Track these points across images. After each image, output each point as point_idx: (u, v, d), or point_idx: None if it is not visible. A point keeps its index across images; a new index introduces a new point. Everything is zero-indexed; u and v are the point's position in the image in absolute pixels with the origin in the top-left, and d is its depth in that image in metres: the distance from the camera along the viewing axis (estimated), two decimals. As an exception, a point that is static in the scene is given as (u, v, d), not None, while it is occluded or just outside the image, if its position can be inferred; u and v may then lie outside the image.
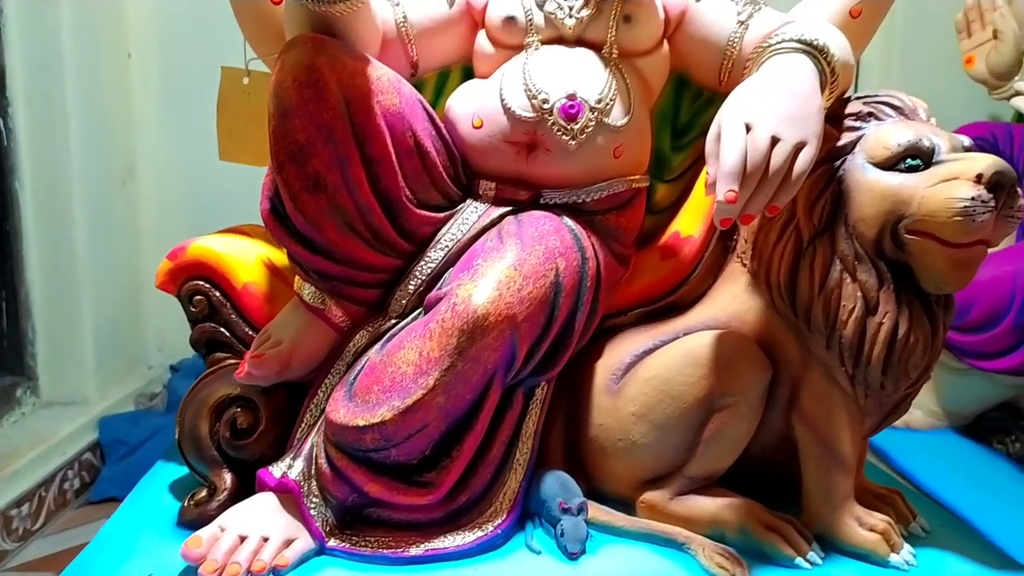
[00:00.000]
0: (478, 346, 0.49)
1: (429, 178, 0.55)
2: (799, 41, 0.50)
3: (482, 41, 0.59)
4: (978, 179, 0.46)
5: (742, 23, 0.57)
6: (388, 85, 0.52)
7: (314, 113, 0.49)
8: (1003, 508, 1.05)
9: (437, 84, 0.63)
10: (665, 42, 0.59)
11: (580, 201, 0.57)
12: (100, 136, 1.37)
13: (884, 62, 1.49)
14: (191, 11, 1.38)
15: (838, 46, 0.52)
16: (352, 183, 0.51)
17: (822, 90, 0.50)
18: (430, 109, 0.56)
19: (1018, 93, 1.00)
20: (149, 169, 1.48)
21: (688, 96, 0.64)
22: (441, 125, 0.57)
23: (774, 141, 0.46)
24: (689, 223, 0.61)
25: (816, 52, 0.50)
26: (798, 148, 0.47)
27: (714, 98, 0.62)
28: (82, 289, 1.33)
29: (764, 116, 0.46)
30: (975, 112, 1.39)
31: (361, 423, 0.49)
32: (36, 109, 1.27)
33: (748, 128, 0.46)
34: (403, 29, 0.58)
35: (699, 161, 0.65)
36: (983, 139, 1.33)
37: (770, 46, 0.52)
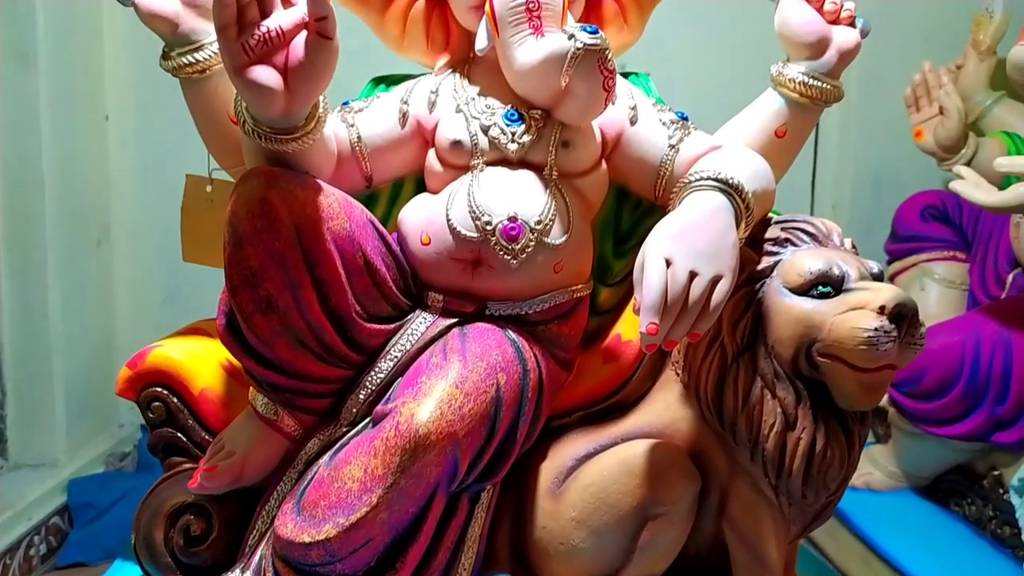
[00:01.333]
0: (420, 463, 0.51)
1: (379, 293, 0.58)
2: (716, 179, 0.54)
3: (432, 160, 0.63)
4: (881, 310, 0.50)
5: (672, 147, 0.62)
6: (339, 210, 0.55)
7: (266, 241, 0.52)
8: (957, 573, 1.08)
9: (391, 195, 0.67)
10: (603, 161, 0.63)
11: (523, 313, 0.60)
12: (76, 198, 1.39)
13: (842, 130, 1.55)
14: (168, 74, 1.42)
15: (754, 180, 0.56)
16: (303, 304, 0.54)
17: (737, 225, 0.54)
18: (380, 228, 0.60)
19: (958, 176, 1.05)
20: (124, 230, 1.50)
21: (628, 205, 0.68)
22: (392, 241, 0.60)
23: (692, 276, 0.50)
24: (630, 327, 0.65)
25: (731, 190, 0.54)
26: (714, 282, 0.51)
27: (653, 207, 0.66)
28: (54, 350, 1.34)
29: (682, 252, 0.50)
30: (930, 178, 1.46)
31: (307, 539, 0.51)
32: (12, 171, 1.30)
33: (668, 263, 0.50)
34: (357, 148, 0.62)
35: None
36: (934, 207, 1.40)
37: (689, 183, 0.56)
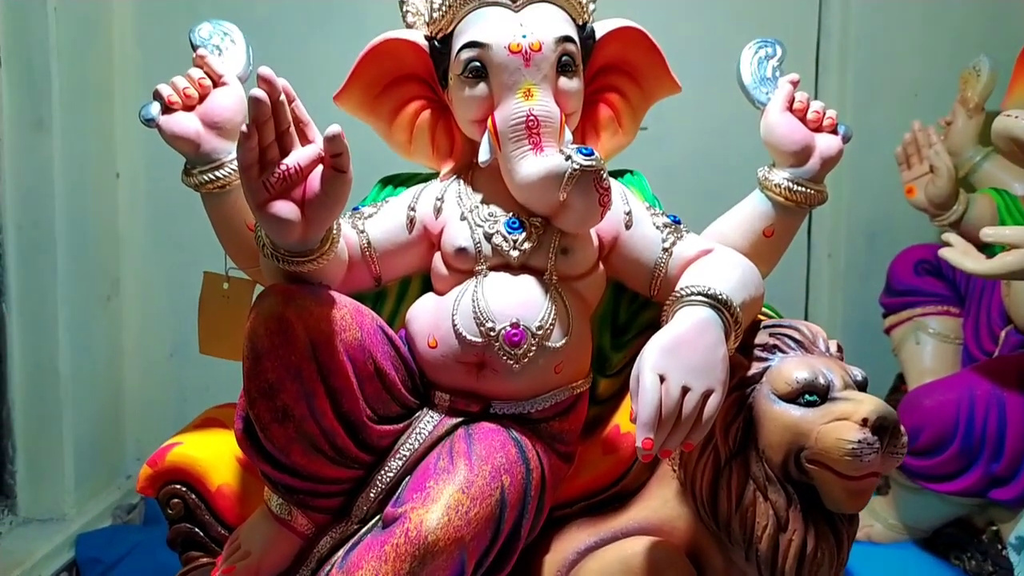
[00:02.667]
0: (429, 568, 0.54)
1: (389, 395, 0.61)
2: (705, 295, 0.57)
3: (438, 263, 0.66)
4: (864, 423, 0.53)
5: (666, 250, 0.65)
6: (351, 321, 0.58)
7: (283, 356, 0.55)
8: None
9: (399, 292, 0.70)
10: (600, 263, 0.66)
11: (526, 412, 0.63)
12: (87, 256, 1.42)
13: (835, 182, 1.58)
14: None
15: (742, 291, 0.59)
16: (318, 412, 0.57)
17: (727, 337, 0.57)
18: (389, 332, 0.63)
19: (947, 243, 1.08)
20: (133, 284, 1.52)
21: (626, 299, 0.71)
22: (400, 344, 0.63)
23: (685, 391, 0.53)
24: (628, 419, 0.67)
25: (720, 306, 0.57)
26: (706, 396, 0.53)
27: (649, 301, 0.69)
28: (64, 406, 1.36)
29: (675, 368, 0.53)
30: (923, 229, 1.49)
31: (322, 641, 0.54)
32: (25, 235, 1.33)
33: (663, 379, 0.53)
34: (367, 253, 0.65)
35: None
36: (927, 261, 1.42)
37: (681, 297, 0.59)
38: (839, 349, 0.60)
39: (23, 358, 1.34)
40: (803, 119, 0.66)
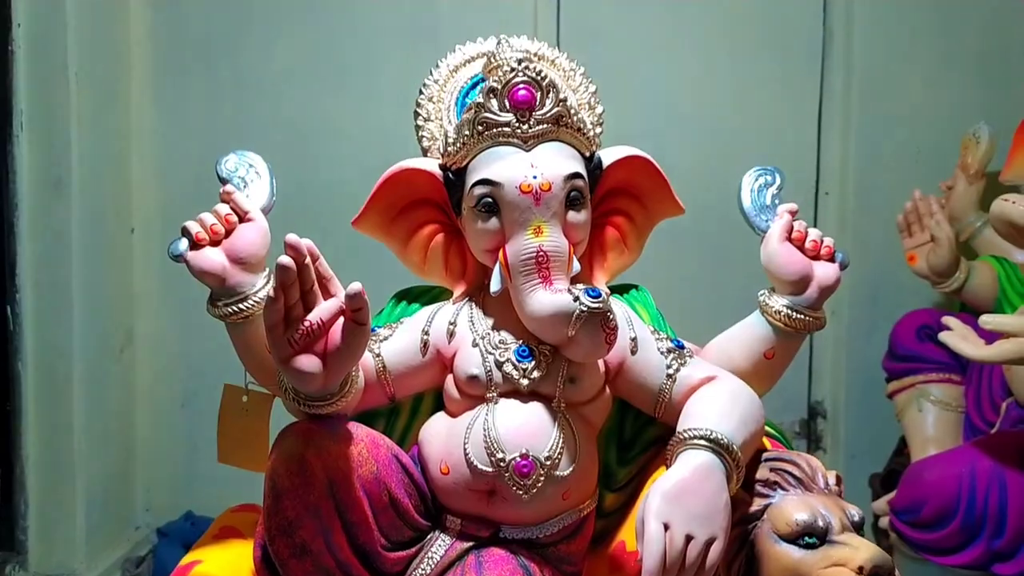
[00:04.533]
0: None
1: (402, 522, 0.63)
2: (708, 440, 0.59)
3: (450, 386, 0.68)
4: (860, 571, 0.55)
5: (670, 376, 0.67)
6: (367, 456, 0.60)
7: (303, 496, 0.58)
8: None
9: (412, 408, 0.72)
10: (607, 387, 0.68)
11: (534, 537, 0.65)
12: (101, 311, 1.44)
13: (838, 242, 1.60)
14: (193, 187, 1.48)
15: (743, 429, 0.60)
16: (334, 547, 0.59)
17: (728, 480, 0.59)
18: (404, 459, 0.65)
19: (947, 326, 1.09)
20: (146, 336, 1.55)
21: (631, 416, 0.73)
22: (413, 470, 0.65)
23: (688, 539, 0.55)
24: (633, 537, 0.69)
25: (722, 450, 0.59)
26: (709, 543, 0.55)
27: (654, 419, 0.71)
28: (76, 461, 1.38)
29: (679, 517, 0.55)
30: (927, 293, 1.50)
31: None
32: (43, 294, 1.36)
33: (667, 527, 0.55)
34: (383, 376, 0.67)
35: (643, 471, 0.73)
36: (930, 327, 1.43)
37: (683, 440, 0.60)
38: (838, 482, 0.62)
39: (37, 415, 1.36)
40: (801, 247, 0.68)
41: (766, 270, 0.69)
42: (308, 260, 0.55)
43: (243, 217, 0.66)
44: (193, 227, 0.64)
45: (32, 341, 1.35)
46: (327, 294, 0.57)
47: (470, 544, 0.64)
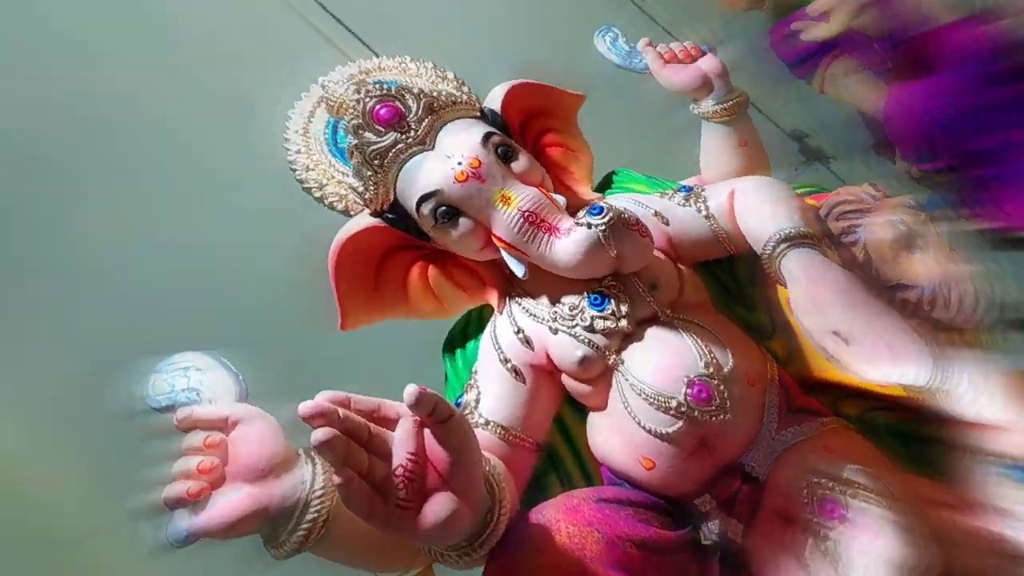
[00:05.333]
0: None
1: (666, 549, 0.56)
2: (786, 241, 0.62)
3: (572, 384, 0.63)
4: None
5: (707, 217, 0.67)
6: (577, 531, 0.52)
7: None
8: None
9: (557, 429, 0.65)
10: (680, 267, 0.66)
11: (789, 444, 0.61)
12: None
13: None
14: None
15: (794, 210, 0.63)
16: None
17: (826, 254, 0.61)
18: (607, 493, 0.57)
19: None
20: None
21: (718, 271, 0.71)
22: (627, 493, 0.58)
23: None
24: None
25: (801, 238, 0.61)
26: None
27: (732, 257, 0.70)
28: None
29: (834, 318, 0.58)
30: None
31: None
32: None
33: (836, 333, 0.57)
34: (509, 436, 0.60)
35: (771, 305, 0.70)
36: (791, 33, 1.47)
37: (770, 256, 0.62)
38: (876, 188, 0.67)
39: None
40: (680, 61, 0.73)
41: (675, 93, 0.74)
42: (343, 413, 0.44)
43: (227, 428, 0.50)
44: (176, 488, 0.47)
45: None
46: (388, 423, 0.46)
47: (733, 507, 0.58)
